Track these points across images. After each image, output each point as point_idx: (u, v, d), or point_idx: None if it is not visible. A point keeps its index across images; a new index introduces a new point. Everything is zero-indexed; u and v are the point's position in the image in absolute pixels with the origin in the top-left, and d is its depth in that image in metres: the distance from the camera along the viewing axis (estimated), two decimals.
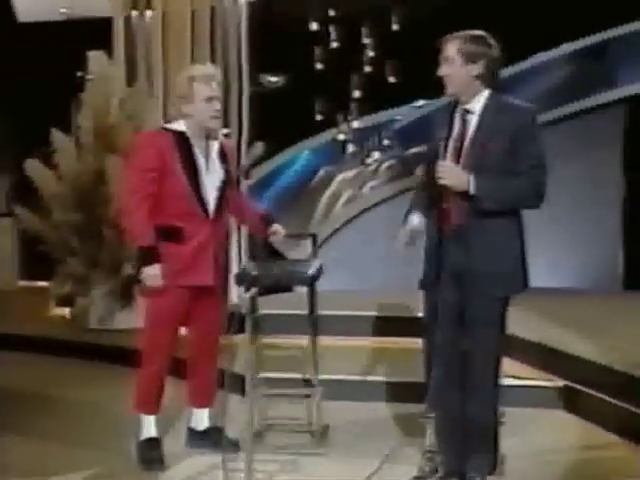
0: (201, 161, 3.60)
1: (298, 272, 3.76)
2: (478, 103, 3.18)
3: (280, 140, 7.28)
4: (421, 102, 7.39)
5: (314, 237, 4.12)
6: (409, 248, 3.32)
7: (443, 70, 3.20)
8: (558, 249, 7.24)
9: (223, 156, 3.69)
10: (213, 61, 6.26)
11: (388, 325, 5.63)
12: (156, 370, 3.64)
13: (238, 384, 4.13)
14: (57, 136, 6.29)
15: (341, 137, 7.77)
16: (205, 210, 3.59)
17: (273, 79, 7.64)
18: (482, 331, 3.20)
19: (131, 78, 6.45)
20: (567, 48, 7.46)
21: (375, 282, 6.90)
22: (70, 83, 6.64)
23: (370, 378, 4.74)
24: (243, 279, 3.50)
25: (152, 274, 3.54)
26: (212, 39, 6.36)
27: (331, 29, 7.71)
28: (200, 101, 3.56)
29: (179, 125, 3.61)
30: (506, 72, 7.34)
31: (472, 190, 3.07)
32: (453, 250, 3.18)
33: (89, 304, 6.28)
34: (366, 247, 7.29)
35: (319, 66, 7.69)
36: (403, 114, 7.67)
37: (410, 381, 4.59)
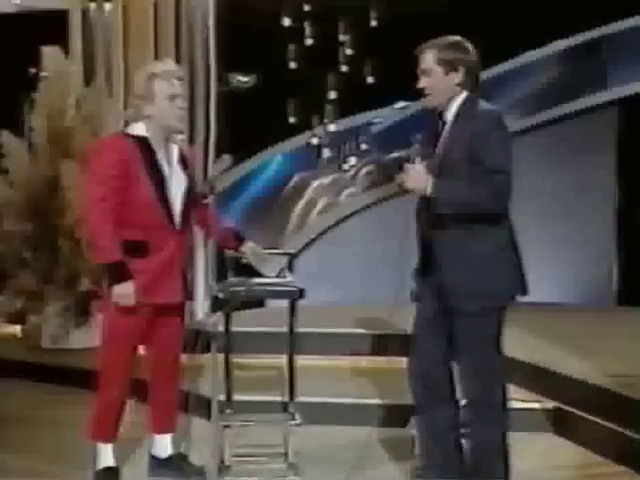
0: (165, 168, 3.60)
1: (285, 285, 3.86)
2: (451, 111, 3.29)
3: (250, 144, 7.29)
4: (402, 103, 7.44)
5: (291, 255, 4.18)
6: None
7: (424, 82, 3.29)
8: (546, 261, 7.30)
9: (183, 162, 3.70)
10: (178, 59, 6.27)
11: (369, 343, 5.64)
12: (115, 396, 3.63)
13: (205, 408, 4.12)
14: (8, 139, 6.25)
15: (316, 141, 7.79)
16: (171, 221, 3.59)
17: (243, 78, 7.65)
18: (470, 348, 3.27)
19: (89, 76, 6.43)
20: (557, 46, 7.54)
21: (354, 296, 6.92)
22: (22, 81, 6.61)
23: (350, 401, 4.74)
24: (224, 298, 3.58)
25: (125, 293, 3.50)
26: (177, 35, 6.36)
27: (306, 25, 7.75)
28: (162, 99, 3.55)
29: (140, 129, 3.60)
30: (492, 72, 7.48)
31: (429, 192, 3.17)
32: (432, 262, 3.30)
33: (42, 321, 6.24)
34: (344, 259, 7.31)
35: (293, 65, 7.72)
36: (383, 116, 7.72)
37: (393, 404, 4.61)
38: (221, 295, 3.71)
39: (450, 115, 3.28)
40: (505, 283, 3.29)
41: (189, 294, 3.78)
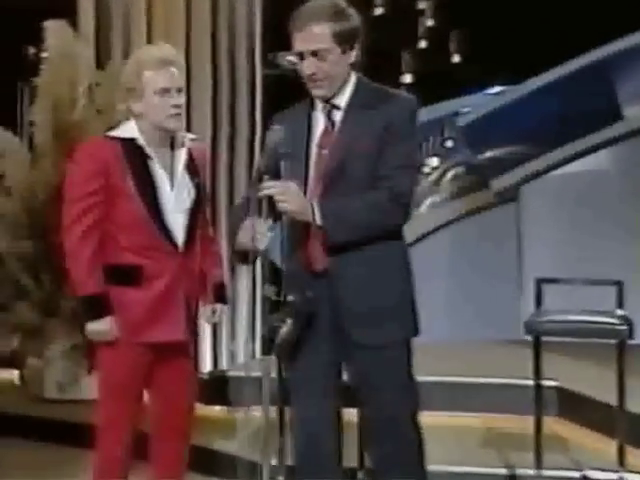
0: (162, 176, 3.68)
1: None
2: (344, 94, 3.24)
3: None
4: (497, 88, 7.44)
5: None
6: None
7: (315, 67, 3.15)
8: None
9: (192, 167, 3.78)
10: (215, 33, 6.35)
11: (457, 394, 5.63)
12: (116, 455, 3.72)
13: (252, 475, 4.16)
14: (3, 136, 6.37)
15: None
16: (171, 241, 3.68)
17: (294, 59, 7.73)
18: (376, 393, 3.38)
19: (103, 58, 6.51)
20: None
21: (441, 333, 6.90)
22: (19, 63, 6.74)
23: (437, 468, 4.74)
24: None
25: (100, 330, 3.62)
26: (214, 5, 6.44)
27: None
28: (151, 95, 3.62)
29: (129, 129, 3.68)
30: (614, 47, 7.40)
31: (317, 220, 3.16)
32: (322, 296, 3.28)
33: (44, 365, 6.32)
34: (425, 287, 7.28)
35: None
36: (473, 105, 7.72)
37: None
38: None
39: (343, 102, 3.23)
40: (414, 308, 3.42)
41: (195, 330, 3.85)
